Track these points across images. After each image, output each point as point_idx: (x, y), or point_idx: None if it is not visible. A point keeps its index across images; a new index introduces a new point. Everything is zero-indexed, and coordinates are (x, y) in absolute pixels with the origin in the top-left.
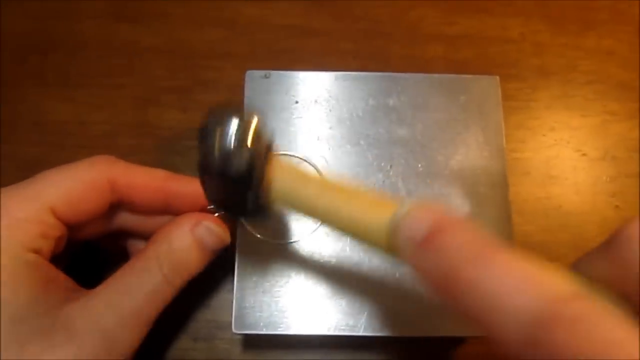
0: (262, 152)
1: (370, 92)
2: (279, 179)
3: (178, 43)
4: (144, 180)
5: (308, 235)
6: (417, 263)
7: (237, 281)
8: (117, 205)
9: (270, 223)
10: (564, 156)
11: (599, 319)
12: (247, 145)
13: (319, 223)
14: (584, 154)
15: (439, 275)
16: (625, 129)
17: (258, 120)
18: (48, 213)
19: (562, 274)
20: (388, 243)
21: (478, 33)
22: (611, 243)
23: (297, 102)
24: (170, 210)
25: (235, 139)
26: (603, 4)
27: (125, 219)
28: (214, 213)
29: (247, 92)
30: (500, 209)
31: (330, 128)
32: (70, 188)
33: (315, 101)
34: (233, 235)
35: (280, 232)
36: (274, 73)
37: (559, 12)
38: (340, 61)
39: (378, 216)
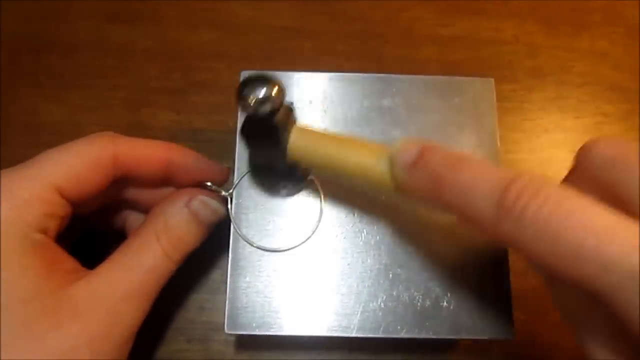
0: (284, 106)
1: (365, 94)
2: (296, 133)
3: (172, 44)
4: (145, 153)
5: (301, 244)
6: (411, 180)
7: (230, 281)
8: (119, 180)
9: (265, 231)
10: (558, 158)
11: (540, 182)
12: (272, 93)
13: (326, 175)
14: None
15: (428, 183)
16: (619, 130)
17: (280, 85)
18: (53, 192)
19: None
20: (390, 177)
21: (472, 34)
22: (578, 161)
23: (291, 103)
24: (172, 182)
25: (264, 92)
26: (597, 5)
27: (127, 192)
28: (210, 189)
29: None
30: None
31: (325, 129)
32: (73, 166)
33: (310, 102)
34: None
35: (275, 240)
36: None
37: (553, 14)
38: (335, 62)
39: (379, 158)
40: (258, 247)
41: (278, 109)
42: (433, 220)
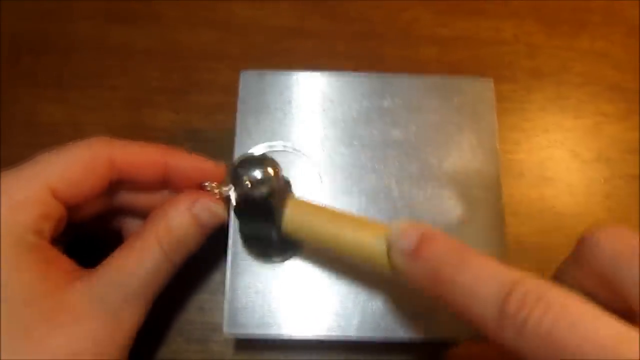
0: (280, 186)
1: (364, 94)
2: (292, 209)
3: (171, 44)
4: (142, 156)
5: (298, 256)
6: (410, 271)
7: (230, 281)
8: (116, 183)
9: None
10: (558, 158)
11: (543, 288)
12: (268, 175)
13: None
14: (577, 156)
15: (428, 278)
16: (619, 130)
17: (276, 166)
18: (48, 194)
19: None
20: (388, 259)
21: (472, 35)
22: (578, 253)
23: (290, 103)
24: (169, 185)
25: (261, 172)
26: (596, 5)
27: (124, 197)
28: (209, 189)
29: (241, 93)
30: (494, 211)
31: (324, 129)
32: (69, 168)
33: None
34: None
35: (272, 254)
36: (268, 73)
37: (553, 14)
38: (334, 62)
39: (377, 237)
40: (255, 259)
41: (275, 191)
42: (431, 220)
